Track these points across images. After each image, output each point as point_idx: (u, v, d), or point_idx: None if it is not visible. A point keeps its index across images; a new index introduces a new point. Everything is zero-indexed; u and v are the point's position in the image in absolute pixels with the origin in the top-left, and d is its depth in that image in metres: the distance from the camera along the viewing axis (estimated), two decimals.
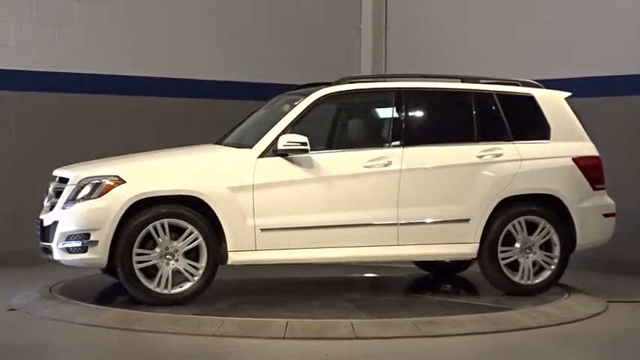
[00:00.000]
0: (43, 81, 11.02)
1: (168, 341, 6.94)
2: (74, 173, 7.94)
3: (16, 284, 8.92)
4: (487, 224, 8.31)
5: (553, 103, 8.74)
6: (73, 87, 11.17)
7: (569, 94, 8.85)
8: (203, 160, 8.20)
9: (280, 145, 7.91)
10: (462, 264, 9.39)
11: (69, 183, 7.86)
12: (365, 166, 8.13)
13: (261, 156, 7.98)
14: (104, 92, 11.32)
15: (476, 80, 8.76)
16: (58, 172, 8.19)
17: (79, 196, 7.74)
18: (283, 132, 8.01)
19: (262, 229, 7.87)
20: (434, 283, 9.56)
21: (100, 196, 7.66)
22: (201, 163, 8.13)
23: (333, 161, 8.16)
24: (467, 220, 8.28)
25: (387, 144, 8.30)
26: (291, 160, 7.99)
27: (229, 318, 7.28)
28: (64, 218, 7.75)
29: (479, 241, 8.30)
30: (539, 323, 7.58)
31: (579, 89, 9.34)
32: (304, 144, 7.89)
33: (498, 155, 8.42)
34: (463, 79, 8.74)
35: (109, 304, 7.78)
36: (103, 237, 7.61)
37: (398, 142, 8.26)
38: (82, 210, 7.69)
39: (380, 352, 6.77)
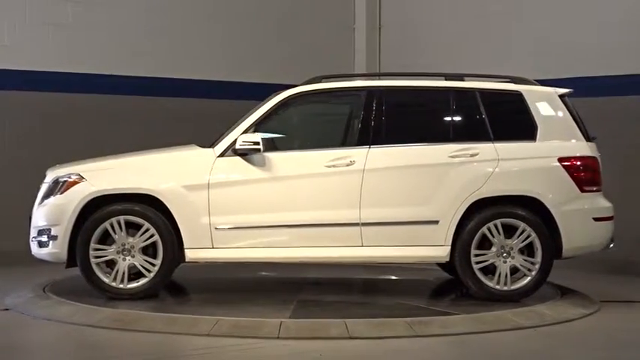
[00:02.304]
0: (37, 80, 11.02)
1: (163, 341, 6.94)
2: (51, 172, 8.25)
3: (9, 284, 8.92)
4: (460, 226, 8.05)
5: (544, 100, 8.37)
6: (67, 87, 11.17)
7: (565, 90, 8.47)
8: (164, 159, 8.28)
9: (237, 145, 7.98)
10: None
11: (44, 181, 8.20)
12: (326, 166, 8.06)
13: (221, 155, 8.05)
14: (99, 92, 11.33)
15: (460, 78, 8.47)
16: (47, 172, 8.38)
17: (53, 193, 8.04)
18: (245, 131, 8.06)
19: (217, 228, 7.94)
20: (452, 286, 9.31)
21: (62, 194, 7.98)
22: (162, 162, 8.24)
23: (294, 161, 8.14)
24: (435, 222, 8.04)
25: (354, 143, 8.20)
26: (249, 160, 8.02)
27: (223, 318, 7.28)
28: (37, 214, 8.10)
29: (450, 243, 8.07)
30: (532, 323, 7.59)
31: (579, 89, 9.18)
32: (257, 143, 7.92)
33: (473, 155, 8.14)
34: (446, 77, 8.47)
35: (104, 304, 7.77)
36: (62, 232, 7.94)
37: (365, 142, 8.14)
38: (46, 206, 8.03)
39: (373, 351, 6.77)
